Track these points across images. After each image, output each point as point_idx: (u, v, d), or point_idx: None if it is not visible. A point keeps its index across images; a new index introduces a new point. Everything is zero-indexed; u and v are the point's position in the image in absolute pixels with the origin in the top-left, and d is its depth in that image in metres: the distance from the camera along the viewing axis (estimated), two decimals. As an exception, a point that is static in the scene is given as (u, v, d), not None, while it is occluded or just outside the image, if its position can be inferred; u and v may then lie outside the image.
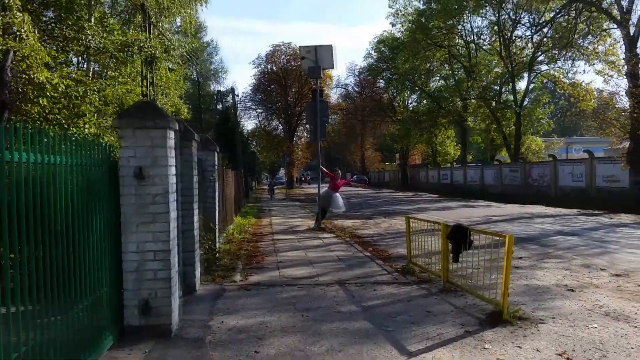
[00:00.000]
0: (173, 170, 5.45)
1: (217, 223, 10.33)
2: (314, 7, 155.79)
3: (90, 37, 13.21)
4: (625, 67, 23.86)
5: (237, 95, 45.91)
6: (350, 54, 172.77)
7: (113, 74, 16.24)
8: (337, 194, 16.22)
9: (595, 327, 5.46)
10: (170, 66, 21.91)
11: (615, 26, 25.99)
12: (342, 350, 4.85)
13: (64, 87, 10.33)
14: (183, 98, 26.59)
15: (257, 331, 5.45)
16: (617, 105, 25.21)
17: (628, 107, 22.38)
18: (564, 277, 8.24)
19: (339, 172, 17.15)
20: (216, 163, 10.41)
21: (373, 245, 12.30)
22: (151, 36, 18.15)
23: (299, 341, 5.12)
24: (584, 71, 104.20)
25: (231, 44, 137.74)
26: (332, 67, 16.27)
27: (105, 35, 14.01)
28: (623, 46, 24.10)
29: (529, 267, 9.14)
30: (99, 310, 4.70)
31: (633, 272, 8.50)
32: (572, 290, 7.24)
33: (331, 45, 15.56)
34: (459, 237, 7.01)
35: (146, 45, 15.68)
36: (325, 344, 5.02)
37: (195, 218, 7.30)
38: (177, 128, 5.61)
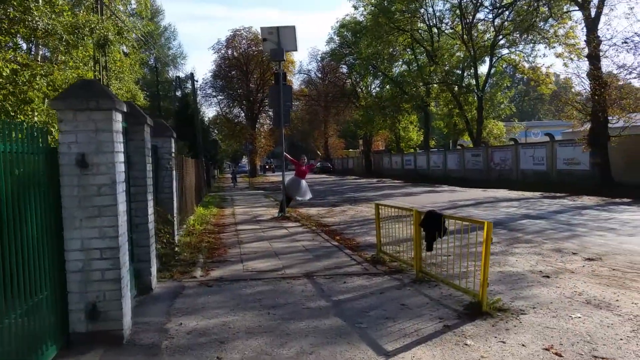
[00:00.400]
0: (121, 157, 4.88)
1: (175, 214, 9.73)
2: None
3: (37, 19, 12.34)
4: (586, 49, 24.03)
5: (197, 81, 44.71)
6: (313, 42, 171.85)
7: (64, 57, 15.31)
8: (303, 181, 15.83)
9: (579, 317, 5.18)
10: (125, 50, 20.94)
11: (576, 8, 26.15)
12: (314, 353, 4.42)
13: (8, 72, 9.54)
14: (140, 84, 25.59)
15: (220, 333, 4.97)
16: (576, 88, 25.51)
17: (589, 89, 22.55)
18: (537, 262, 8.04)
19: (305, 159, 16.71)
20: (173, 150, 9.76)
21: (340, 234, 11.92)
22: (103, 17, 17.20)
23: (265, 343, 4.67)
24: (544, 55, 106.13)
25: (189, 29, 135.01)
26: (295, 50, 15.75)
27: (54, 16, 13.13)
28: (584, 29, 24.24)
29: (501, 252, 8.91)
30: (39, 316, 4.16)
31: (605, 256, 8.36)
32: (548, 277, 7.01)
33: (294, 27, 15.02)
34: (432, 225, 6.64)
35: (98, 27, 14.82)
36: (295, 346, 4.58)
37: (150, 210, 6.71)
38: (125, 110, 5.03)
